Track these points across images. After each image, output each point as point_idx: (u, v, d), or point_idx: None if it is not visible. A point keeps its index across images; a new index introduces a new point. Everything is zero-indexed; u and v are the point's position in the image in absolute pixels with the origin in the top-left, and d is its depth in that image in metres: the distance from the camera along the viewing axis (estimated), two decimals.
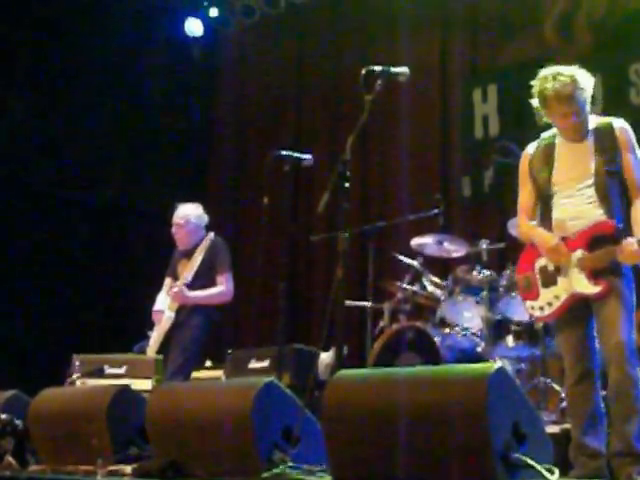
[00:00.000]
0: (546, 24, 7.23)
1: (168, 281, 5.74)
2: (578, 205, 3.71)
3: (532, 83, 3.77)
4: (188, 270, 5.52)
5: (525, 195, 3.91)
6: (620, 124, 3.76)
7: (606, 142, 3.72)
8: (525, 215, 3.90)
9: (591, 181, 3.69)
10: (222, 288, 5.56)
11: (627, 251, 3.54)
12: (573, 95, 3.65)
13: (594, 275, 3.63)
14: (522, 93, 6.98)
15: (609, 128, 3.74)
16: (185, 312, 5.52)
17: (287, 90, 8.87)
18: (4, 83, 7.68)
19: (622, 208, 3.70)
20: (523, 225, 3.91)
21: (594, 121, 3.79)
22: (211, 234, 5.61)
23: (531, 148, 3.92)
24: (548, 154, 3.82)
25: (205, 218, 5.75)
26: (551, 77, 3.68)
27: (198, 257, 5.53)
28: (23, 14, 7.80)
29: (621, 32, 6.88)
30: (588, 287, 3.64)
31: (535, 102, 3.77)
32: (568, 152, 3.78)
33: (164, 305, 5.58)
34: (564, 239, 3.71)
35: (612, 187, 3.69)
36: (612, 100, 6.11)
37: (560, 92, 3.65)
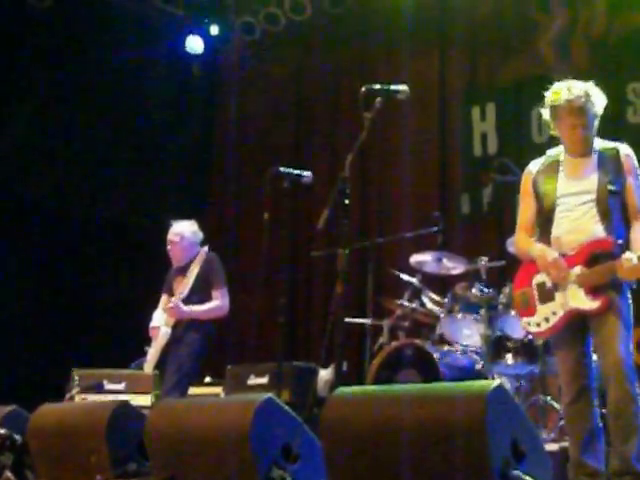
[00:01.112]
0: (544, 43, 7.27)
1: (164, 298, 5.75)
2: (578, 219, 3.73)
3: (545, 94, 3.82)
4: (183, 286, 5.53)
5: (525, 211, 3.92)
6: (626, 150, 3.81)
7: (610, 164, 3.76)
8: (524, 231, 3.91)
9: (593, 197, 3.71)
10: (218, 303, 5.57)
11: (626, 266, 3.55)
12: (584, 107, 3.71)
13: (593, 291, 3.64)
14: (520, 111, 7.16)
15: (615, 153, 3.79)
16: (181, 327, 5.53)
17: (287, 107, 8.92)
18: (6, 99, 7.71)
19: (622, 227, 3.72)
20: (521, 241, 3.92)
21: (599, 144, 3.83)
22: (205, 249, 5.63)
23: (534, 165, 3.93)
24: (553, 169, 3.85)
25: (200, 234, 5.78)
26: (565, 88, 3.75)
27: (193, 272, 5.54)
28: (24, 30, 7.85)
29: (618, 51, 6.93)
30: (586, 303, 3.65)
31: (545, 113, 3.82)
32: (572, 167, 3.81)
33: (160, 321, 5.59)
34: (562, 256, 3.72)
35: (613, 205, 3.71)
36: (609, 119, 6.12)
37: (572, 102, 3.71)
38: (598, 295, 3.63)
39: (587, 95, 3.72)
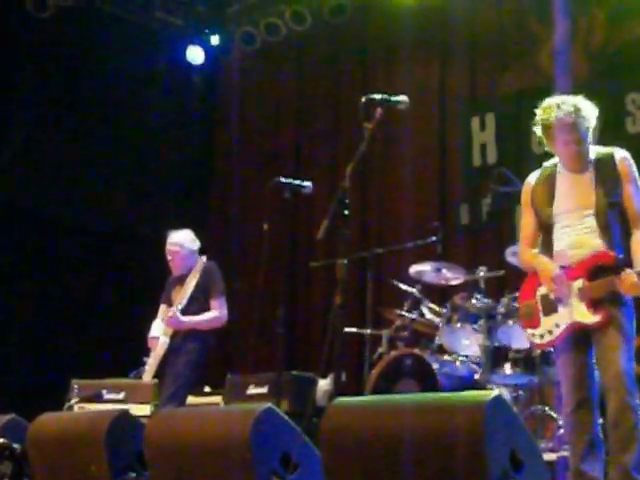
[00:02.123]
0: (543, 53, 7.30)
1: (163, 308, 5.74)
2: (578, 234, 3.73)
3: (536, 111, 3.82)
4: (182, 295, 5.53)
5: (527, 224, 3.93)
6: (621, 155, 3.79)
7: (607, 173, 3.74)
8: (527, 243, 3.92)
9: (592, 211, 3.71)
10: (216, 313, 5.56)
11: (627, 282, 3.56)
12: (575, 123, 3.70)
13: (594, 305, 3.65)
14: (520, 121, 7.17)
15: (610, 159, 3.77)
16: (179, 337, 5.52)
17: (287, 117, 8.94)
18: (6, 109, 7.74)
19: (622, 239, 3.72)
20: (524, 253, 3.93)
21: (595, 151, 3.82)
22: (203, 258, 5.62)
23: (533, 178, 3.94)
24: (549, 185, 3.84)
25: (197, 243, 5.78)
26: (555, 105, 3.74)
27: (192, 281, 5.53)
28: (25, 41, 7.87)
29: (618, 61, 6.95)
30: (588, 316, 3.66)
31: (538, 130, 3.82)
32: (569, 183, 3.81)
33: (159, 331, 5.58)
34: (564, 268, 3.73)
35: (613, 218, 3.71)
36: (608, 129, 6.16)
37: (562, 119, 3.70)
38: (599, 309, 3.63)
39: (577, 110, 3.71)
